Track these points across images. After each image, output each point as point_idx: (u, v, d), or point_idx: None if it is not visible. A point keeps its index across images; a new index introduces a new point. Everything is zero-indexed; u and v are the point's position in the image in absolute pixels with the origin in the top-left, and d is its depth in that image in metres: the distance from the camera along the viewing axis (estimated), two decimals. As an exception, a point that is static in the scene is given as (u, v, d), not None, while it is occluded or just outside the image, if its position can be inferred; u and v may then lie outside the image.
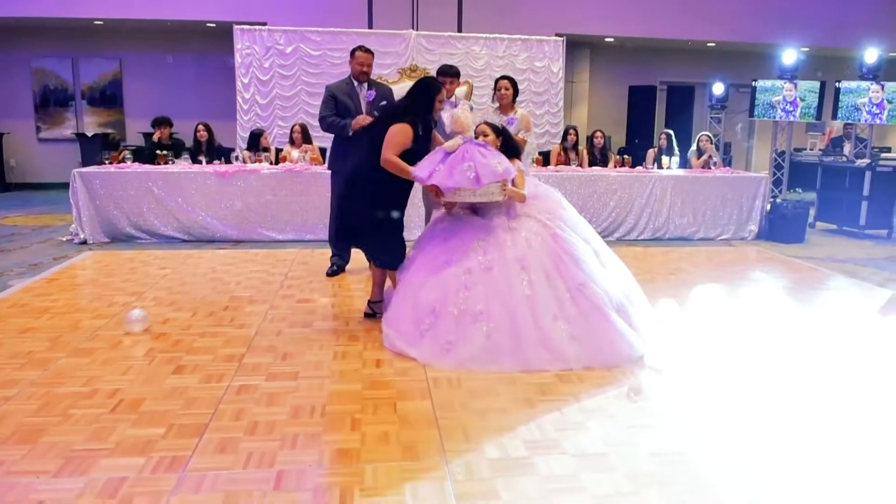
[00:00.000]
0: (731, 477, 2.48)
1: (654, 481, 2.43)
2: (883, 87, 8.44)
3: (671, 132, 8.45)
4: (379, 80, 5.91)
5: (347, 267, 5.66)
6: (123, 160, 7.30)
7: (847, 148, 10.44)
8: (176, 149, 7.70)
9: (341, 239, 4.42)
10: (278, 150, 7.86)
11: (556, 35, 10.26)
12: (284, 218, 7.07)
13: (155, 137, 7.78)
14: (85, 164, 9.11)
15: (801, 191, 11.23)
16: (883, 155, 10.02)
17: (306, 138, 7.70)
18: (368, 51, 5.28)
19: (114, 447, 2.61)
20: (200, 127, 7.74)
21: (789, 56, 9.05)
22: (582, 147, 8.26)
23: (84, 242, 6.75)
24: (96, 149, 10.34)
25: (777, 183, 9.27)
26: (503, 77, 5.10)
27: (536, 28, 10.33)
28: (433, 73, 5.88)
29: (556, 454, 2.62)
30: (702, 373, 3.55)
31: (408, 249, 4.16)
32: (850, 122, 9.45)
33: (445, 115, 4.80)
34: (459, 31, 10.00)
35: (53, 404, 3.00)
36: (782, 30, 10.98)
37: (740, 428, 2.90)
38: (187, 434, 2.73)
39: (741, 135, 13.58)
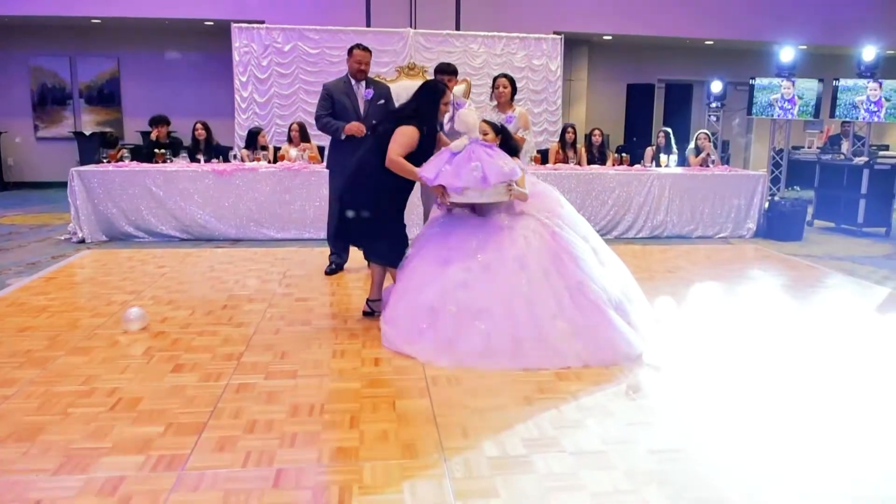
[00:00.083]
0: (729, 474, 2.48)
1: (653, 479, 2.44)
2: (881, 84, 8.45)
3: (669, 130, 8.45)
4: (377, 79, 5.91)
5: (346, 265, 5.66)
6: (121, 159, 7.29)
7: (845, 146, 10.46)
8: (174, 147, 7.69)
9: (341, 237, 4.41)
10: (276, 149, 7.85)
11: (555, 33, 10.26)
12: (283, 216, 7.06)
13: (153, 136, 7.77)
14: (83, 162, 9.09)
15: (799, 189, 11.25)
16: (881, 153, 10.06)
17: (304, 137, 7.70)
18: (366, 49, 5.27)
19: (112, 446, 2.61)
20: (198, 125, 7.73)
21: (787, 54, 9.05)
22: (580, 145, 8.27)
23: (82, 241, 6.75)
24: (94, 147, 10.33)
25: (775, 181, 9.28)
26: (501, 75, 5.10)
27: (534, 26, 10.33)
28: (431, 71, 5.88)
29: (554, 452, 2.62)
30: (700, 371, 3.55)
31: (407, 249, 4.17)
32: (847, 119, 9.46)
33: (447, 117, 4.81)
34: (457, 29, 10.00)
35: (52, 403, 3.00)
36: (780, 28, 10.99)
37: (739, 425, 2.90)
38: (186, 432, 2.73)
39: (738, 129, 13.58)
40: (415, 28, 9.76)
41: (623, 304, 3.79)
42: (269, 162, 7.49)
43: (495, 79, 5.10)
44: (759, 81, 9.37)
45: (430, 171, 3.80)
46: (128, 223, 6.90)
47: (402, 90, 8.44)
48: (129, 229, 6.90)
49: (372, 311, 4.30)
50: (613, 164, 8.06)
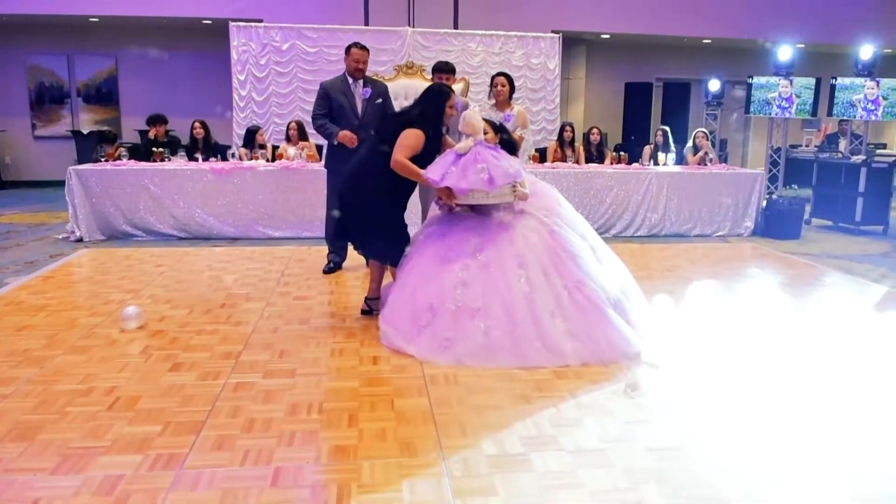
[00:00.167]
0: (728, 472, 2.49)
1: (652, 477, 2.44)
2: (878, 83, 8.46)
3: (667, 129, 8.46)
4: (374, 78, 5.91)
5: (344, 264, 5.66)
6: (119, 157, 7.28)
7: (842, 144, 10.47)
8: (172, 146, 7.68)
9: (341, 236, 4.42)
10: (274, 148, 7.84)
11: (553, 32, 10.26)
12: (281, 215, 7.06)
13: (151, 135, 7.76)
14: (81, 161, 9.08)
15: (796, 187, 11.24)
16: (878, 151, 10.07)
17: (303, 135, 7.70)
18: (364, 48, 5.27)
19: (110, 445, 2.61)
20: (197, 124, 7.72)
21: (785, 52, 9.06)
22: (578, 144, 8.27)
23: (80, 240, 6.74)
24: (92, 146, 10.31)
25: (773, 179, 9.28)
26: (499, 74, 5.10)
27: (532, 25, 10.33)
28: (429, 70, 5.88)
29: (553, 450, 2.62)
30: (698, 369, 3.56)
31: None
32: (845, 118, 9.47)
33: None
34: (456, 28, 9.99)
35: (50, 402, 2.99)
36: (778, 26, 10.99)
37: (737, 423, 2.91)
38: (184, 431, 2.72)
39: (735, 125, 13.57)
40: (413, 27, 9.76)
41: (621, 303, 3.80)
42: (268, 161, 7.48)
43: (493, 77, 5.10)
44: (757, 80, 9.38)
45: (435, 172, 3.80)
46: (126, 222, 6.89)
47: (401, 89, 8.45)
48: (127, 228, 6.89)
49: (370, 310, 4.30)
50: (611, 163, 8.06)
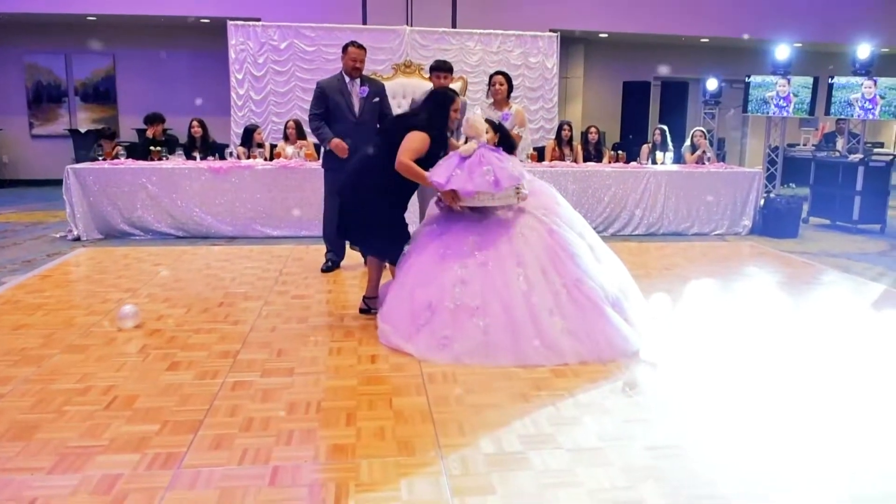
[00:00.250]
0: (726, 470, 2.49)
1: (650, 475, 2.44)
2: (875, 82, 8.46)
3: (665, 127, 8.46)
4: (373, 76, 5.90)
5: (342, 263, 5.65)
6: (117, 156, 7.27)
7: (840, 143, 10.49)
8: (170, 145, 7.66)
9: (342, 234, 4.42)
10: (272, 146, 7.84)
11: (551, 31, 10.26)
12: (279, 214, 7.05)
13: (149, 134, 7.75)
14: (78, 160, 9.06)
15: (794, 186, 11.27)
16: (875, 150, 10.09)
17: (301, 134, 7.69)
18: (361, 46, 5.26)
19: (108, 444, 2.61)
20: (195, 123, 7.71)
21: (782, 52, 9.06)
22: (576, 143, 8.27)
23: (77, 239, 6.73)
24: (90, 145, 10.30)
25: (770, 178, 9.29)
26: (498, 73, 5.10)
27: (530, 24, 10.32)
28: (427, 69, 5.87)
29: (551, 449, 2.62)
30: (697, 367, 3.56)
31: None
32: (842, 117, 9.48)
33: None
34: (454, 26, 9.99)
35: (47, 401, 2.99)
36: (775, 25, 11.00)
37: (736, 422, 2.91)
38: (182, 431, 2.72)
39: (732, 122, 13.56)
40: (411, 26, 9.75)
41: (620, 301, 3.80)
42: (266, 159, 7.47)
43: (492, 76, 5.10)
44: (755, 79, 9.38)
45: (440, 175, 3.81)
46: (123, 221, 6.88)
47: (399, 88, 8.46)
48: (124, 227, 6.88)
49: (368, 309, 4.30)
50: (609, 162, 8.06)
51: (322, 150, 5.72)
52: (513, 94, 5.21)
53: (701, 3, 11.51)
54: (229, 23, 9.31)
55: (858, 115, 8.79)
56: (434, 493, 2.31)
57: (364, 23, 9.72)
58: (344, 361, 3.53)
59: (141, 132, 9.21)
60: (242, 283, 5.15)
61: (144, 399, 3.02)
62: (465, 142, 4.07)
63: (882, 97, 8.44)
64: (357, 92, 5.23)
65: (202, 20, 10.63)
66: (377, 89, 5.34)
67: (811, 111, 9.08)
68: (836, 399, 3.19)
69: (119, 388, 3.14)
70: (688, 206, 7.69)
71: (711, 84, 10.10)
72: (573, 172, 7.46)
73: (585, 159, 8.02)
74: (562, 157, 7.97)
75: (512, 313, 3.55)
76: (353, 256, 5.62)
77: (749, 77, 9.45)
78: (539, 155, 8.09)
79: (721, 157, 10.96)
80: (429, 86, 5.64)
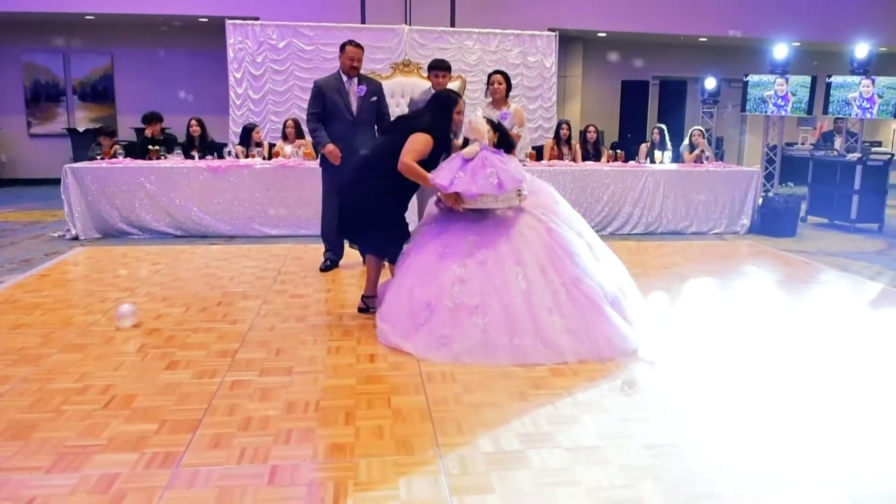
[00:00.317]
0: (724, 469, 2.49)
1: (648, 474, 2.44)
2: (873, 81, 8.47)
3: (664, 126, 8.47)
4: (371, 76, 5.90)
5: (341, 262, 5.65)
6: (115, 155, 7.26)
7: (838, 142, 10.50)
8: (168, 144, 7.65)
9: (342, 232, 4.42)
10: (271, 146, 7.83)
11: (549, 30, 10.26)
12: (278, 213, 7.05)
13: (147, 133, 7.74)
14: (76, 159, 9.05)
15: (792, 185, 11.29)
16: (873, 149, 10.09)
17: (299, 133, 7.68)
18: (358, 45, 5.25)
19: (106, 443, 2.61)
20: (193, 122, 7.70)
21: (781, 51, 9.07)
22: (575, 142, 8.27)
23: (76, 238, 6.72)
24: (88, 144, 10.30)
25: (769, 177, 9.30)
26: (496, 72, 5.10)
27: (529, 23, 10.33)
28: (426, 68, 5.87)
29: (549, 448, 2.62)
30: (695, 366, 3.56)
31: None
32: (840, 116, 9.49)
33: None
34: (452, 25, 9.98)
35: (46, 400, 2.98)
36: (774, 24, 11.01)
37: (734, 420, 2.91)
38: (180, 430, 2.72)
39: (731, 120, 13.54)
40: (409, 25, 9.74)
41: (619, 300, 3.80)
42: (264, 158, 7.47)
43: (490, 75, 5.10)
44: (753, 78, 9.39)
45: (443, 177, 3.81)
46: (122, 220, 6.87)
47: (397, 87, 8.46)
48: (122, 226, 6.88)
49: (367, 308, 4.30)
50: (608, 161, 8.07)
51: (320, 149, 5.72)
52: (511, 94, 5.21)
53: (699, 3, 11.51)
54: (228, 22, 9.30)
55: (856, 114, 8.80)
56: (433, 492, 2.31)
57: (363, 22, 9.72)
58: (342, 360, 3.53)
59: (139, 131, 9.20)
60: (241, 282, 5.15)
61: (143, 398, 3.02)
62: (463, 141, 4.07)
63: (880, 96, 8.45)
64: (355, 91, 5.22)
65: (200, 19, 10.62)
66: (375, 88, 5.34)
67: (809, 110, 9.09)
68: (835, 398, 3.20)
69: (117, 387, 3.14)
70: (686, 205, 7.69)
71: (710, 83, 10.11)
72: (572, 171, 7.46)
73: (584, 158, 8.02)
74: (560, 157, 7.97)
75: (511, 312, 3.55)
76: (351, 256, 5.62)
77: (747, 76, 9.46)
78: (538, 154, 8.10)
79: (719, 157, 10.97)
80: (427, 85, 5.64)
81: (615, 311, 3.71)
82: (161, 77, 11.72)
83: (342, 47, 5.23)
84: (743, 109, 9.64)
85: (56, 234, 6.91)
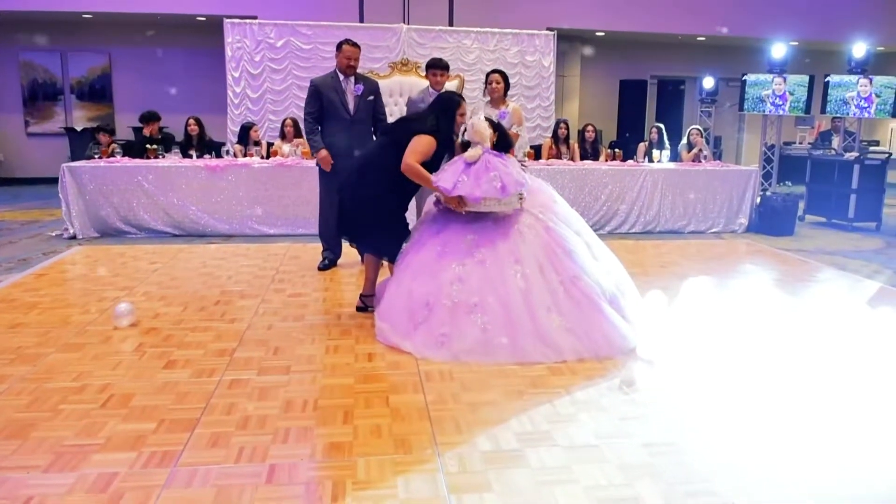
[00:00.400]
0: (722, 467, 2.49)
1: (646, 472, 2.44)
2: (871, 80, 8.48)
3: (662, 126, 8.48)
4: (369, 75, 5.89)
5: (339, 261, 5.65)
6: (113, 154, 7.25)
7: (836, 141, 10.51)
8: (166, 143, 7.64)
9: (343, 231, 4.42)
10: (269, 144, 7.83)
11: (548, 29, 10.25)
12: (276, 212, 7.05)
13: (145, 133, 7.73)
14: (74, 158, 9.04)
15: (790, 184, 11.30)
16: (871, 148, 10.11)
17: (298, 132, 7.67)
18: (355, 44, 5.24)
19: (104, 442, 2.60)
20: (191, 121, 7.69)
21: (778, 50, 9.08)
22: (573, 141, 8.27)
23: (73, 237, 6.71)
24: (86, 143, 10.28)
25: (767, 176, 9.30)
26: (494, 71, 5.10)
27: (527, 22, 10.33)
28: (424, 67, 5.87)
29: (547, 446, 2.63)
30: (693, 364, 3.56)
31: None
32: (838, 115, 9.50)
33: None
34: (451, 24, 9.98)
35: (43, 399, 2.98)
36: (772, 24, 11.01)
37: (732, 419, 2.92)
38: (178, 429, 2.72)
39: (729, 118, 13.56)
40: (408, 24, 9.74)
41: (617, 298, 3.81)
42: (262, 157, 7.46)
43: (488, 74, 5.10)
44: (751, 77, 9.40)
45: (447, 181, 3.81)
46: (119, 219, 6.86)
47: (396, 86, 8.46)
48: (120, 225, 6.87)
49: (365, 307, 4.30)
50: (606, 160, 8.07)
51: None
52: (510, 93, 5.21)
53: (697, 2, 11.52)
54: (226, 21, 9.29)
55: (854, 114, 8.81)
56: (431, 491, 2.31)
57: (361, 21, 9.72)
58: (341, 359, 3.53)
59: (137, 130, 9.18)
60: (239, 281, 5.15)
61: (140, 397, 3.02)
62: (463, 142, 4.07)
63: (877, 95, 8.46)
64: (352, 90, 5.22)
65: (198, 18, 10.61)
66: (371, 87, 5.33)
67: (807, 109, 9.10)
68: (832, 396, 3.20)
69: (115, 386, 3.13)
70: (684, 204, 7.70)
71: (708, 82, 10.12)
72: (570, 171, 7.46)
73: (582, 157, 8.03)
74: (558, 156, 7.97)
75: (510, 310, 3.56)
76: (349, 255, 5.62)
77: (745, 75, 9.46)
78: (536, 153, 8.09)
79: (717, 156, 10.97)
80: (426, 84, 5.64)
81: (613, 309, 3.72)
82: (159, 76, 11.71)
83: (339, 46, 5.23)
84: (741, 109, 9.65)
85: (54, 234, 6.91)
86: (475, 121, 3.95)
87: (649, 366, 3.52)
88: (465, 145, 4.00)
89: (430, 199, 4.19)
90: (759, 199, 7.94)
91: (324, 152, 5.14)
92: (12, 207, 8.99)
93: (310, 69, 9.04)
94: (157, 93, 11.33)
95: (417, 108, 5.29)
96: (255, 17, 9.65)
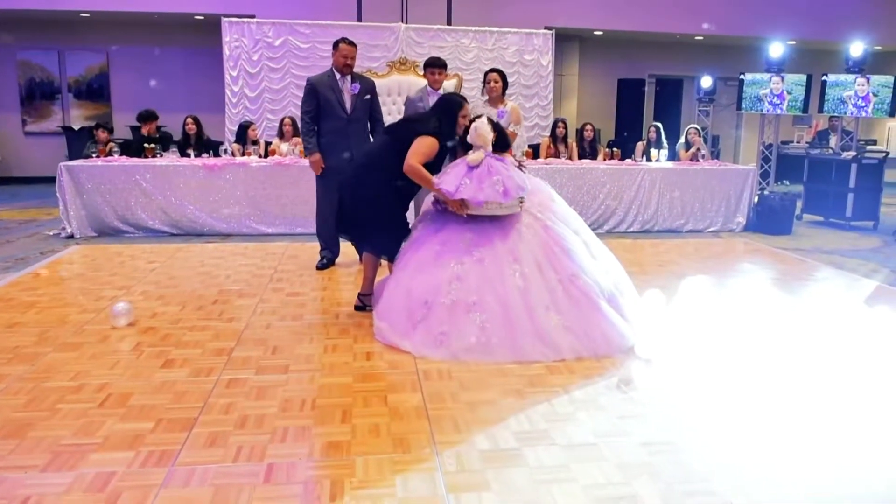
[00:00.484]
0: (720, 466, 2.50)
1: (644, 471, 2.45)
2: (868, 80, 8.49)
3: (660, 125, 8.48)
4: (367, 74, 5.89)
5: (337, 260, 5.65)
6: (111, 153, 7.24)
7: (833, 141, 10.52)
8: (164, 142, 7.63)
9: (341, 230, 4.42)
10: (267, 143, 7.82)
11: (546, 28, 10.25)
12: (274, 211, 7.04)
13: (143, 132, 7.72)
14: (72, 157, 9.02)
15: (788, 183, 11.31)
16: (868, 147, 10.12)
17: (296, 131, 7.66)
18: (352, 43, 5.24)
19: (102, 442, 2.60)
20: (189, 120, 7.68)
21: (776, 49, 9.08)
22: (571, 140, 8.27)
23: (71, 236, 6.70)
24: (83, 142, 10.27)
25: (765, 175, 9.32)
26: (493, 70, 5.10)
27: (526, 21, 10.32)
28: (423, 66, 5.86)
29: (545, 445, 2.63)
30: (691, 363, 3.57)
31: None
32: (836, 115, 9.51)
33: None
34: (449, 23, 9.97)
35: (41, 399, 2.98)
36: (770, 23, 11.02)
37: (730, 418, 2.92)
38: (176, 428, 2.71)
39: (727, 117, 13.55)
40: (406, 23, 9.73)
41: (615, 297, 3.81)
42: (260, 156, 7.46)
43: (487, 73, 5.09)
44: (749, 77, 9.41)
45: (449, 184, 3.82)
46: (117, 218, 6.86)
47: (394, 85, 8.45)
48: (118, 224, 6.86)
49: (363, 306, 4.30)
50: (604, 159, 8.08)
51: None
52: (508, 92, 5.21)
53: (696, 2, 11.52)
54: (224, 20, 9.28)
55: (851, 113, 8.83)
56: (429, 490, 2.31)
57: (359, 20, 9.71)
58: (339, 358, 3.53)
59: (135, 129, 9.17)
60: (237, 280, 5.14)
61: (138, 397, 3.01)
62: (462, 143, 4.07)
63: (875, 95, 8.48)
64: (348, 89, 5.21)
65: (196, 17, 10.59)
66: (368, 86, 5.32)
67: (805, 109, 9.11)
68: (830, 395, 3.21)
69: (113, 385, 3.13)
70: (682, 203, 7.71)
71: (706, 81, 10.12)
72: (568, 170, 7.47)
73: (580, 156, 8.03)
74: (557, 155, 7.98)
75: (508, 309, 3.56)
76: (348, 254, 5.61)
77: (743, 74, 9.47)
78: (534, 152, 8.10)
79: (715, 155, 10.98)
80: (424, 83, 5.64)
81: (612, 308, 3.72)
82: (157, 75, 11.70)
83: (336, 45, 5.22)
84: (739, 108, 9.66)
85: (51, 233, 6.90)
86: (478, 124, 3.95)
87: (647, 365, 3.53)
88: (466, 146, 4.00)
89: (428, 199, 4.19)
90: (756, 198, 7.94)
91: (316, 156, 5.15)
92: (10, 207, 8.98)
93: (308, 68, 9.02)
94: (154, 92, 11.31)
95: (416, 108, 5.29)
96: (253, 16, 9.64)
